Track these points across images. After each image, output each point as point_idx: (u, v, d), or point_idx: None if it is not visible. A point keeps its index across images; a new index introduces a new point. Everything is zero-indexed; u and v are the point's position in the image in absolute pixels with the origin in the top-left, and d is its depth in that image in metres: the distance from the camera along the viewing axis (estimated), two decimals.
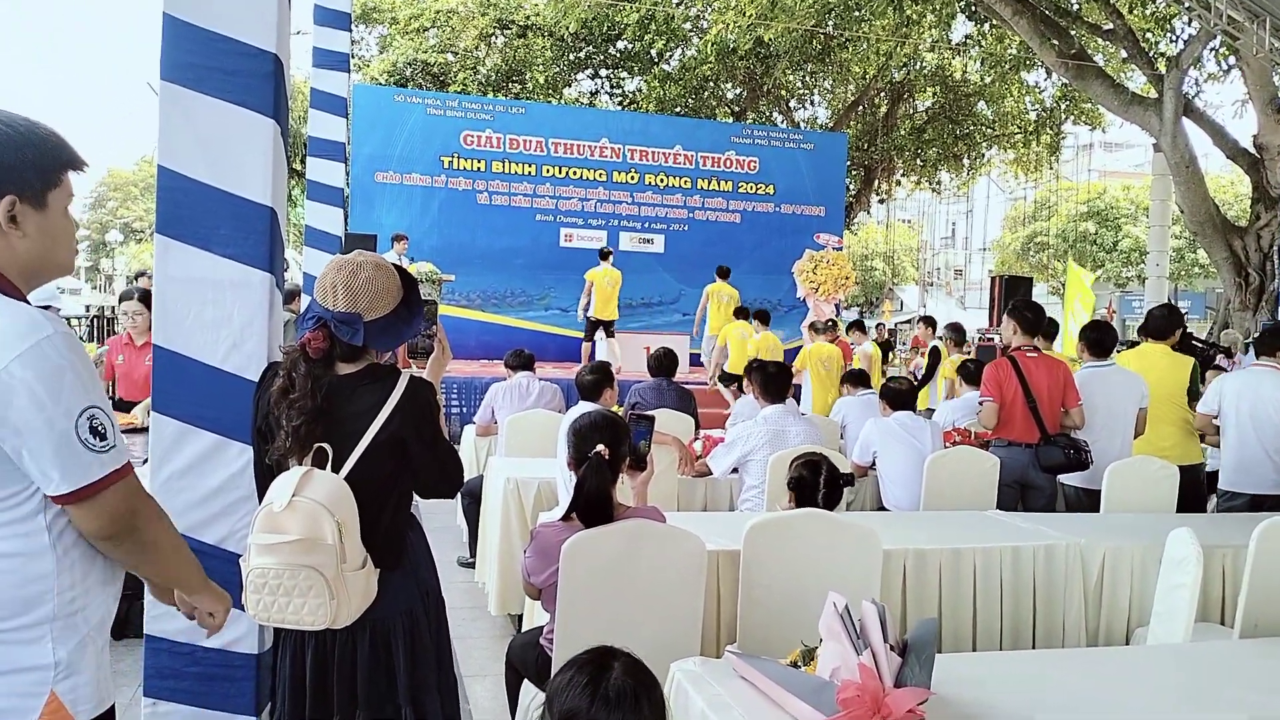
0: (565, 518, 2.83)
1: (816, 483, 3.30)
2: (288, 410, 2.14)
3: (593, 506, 2.76)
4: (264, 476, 2.25)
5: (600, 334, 12.13)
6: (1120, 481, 4.62)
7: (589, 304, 12.01)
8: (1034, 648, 3.60)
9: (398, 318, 2.26)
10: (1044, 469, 4.95)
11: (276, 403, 2.16)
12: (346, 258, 2.25)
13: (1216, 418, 5.11)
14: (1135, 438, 5.22)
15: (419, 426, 2.22)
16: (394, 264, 2.33)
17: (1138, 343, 8.56)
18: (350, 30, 8.50)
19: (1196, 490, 5.40)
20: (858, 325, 12.49)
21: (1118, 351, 7.30)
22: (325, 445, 2.15)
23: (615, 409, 5.04)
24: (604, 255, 12.37)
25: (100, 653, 1.67)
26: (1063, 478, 5.12)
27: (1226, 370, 6.73)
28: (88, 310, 12.49)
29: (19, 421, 1.48)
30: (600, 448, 2.80)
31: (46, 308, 4.04)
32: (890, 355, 14.00)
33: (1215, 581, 3.64)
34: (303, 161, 10.17)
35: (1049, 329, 6.47)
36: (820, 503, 3.28)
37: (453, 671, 2.46)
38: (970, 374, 6.30)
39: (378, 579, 2.20)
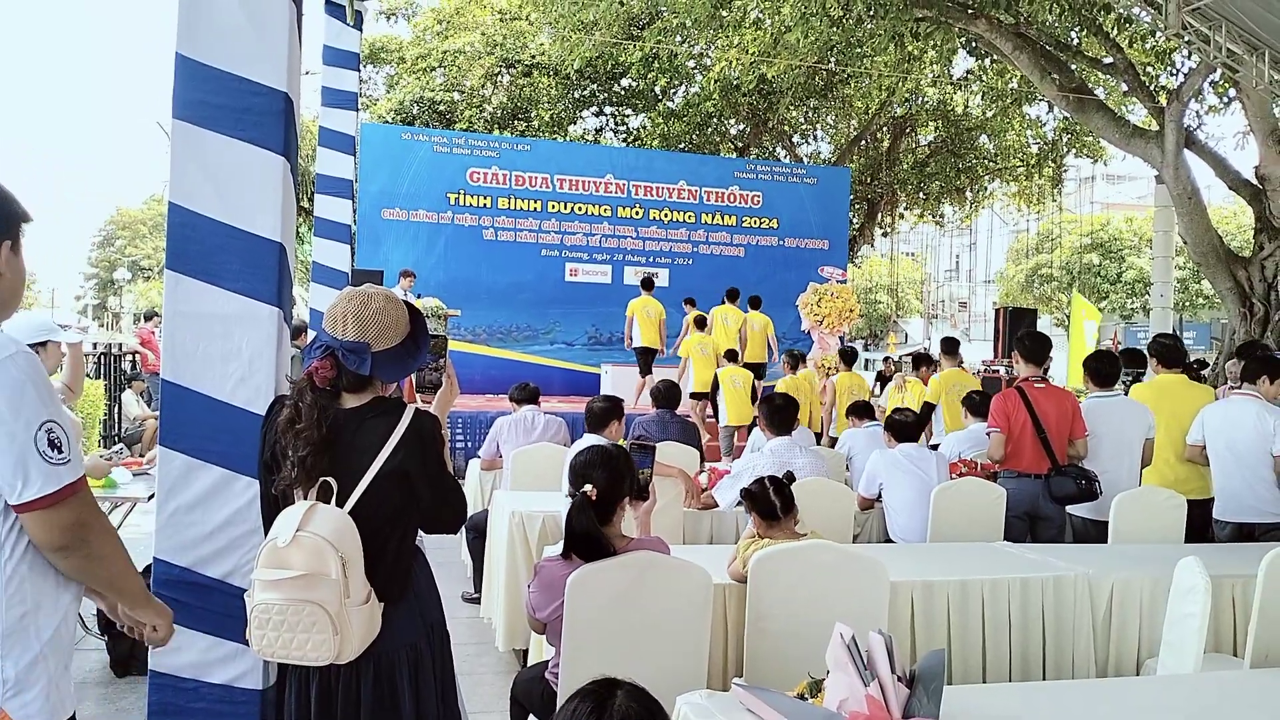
0: (565, 555, 2.83)
1: (765, 493, 3.34)
2: (294, 440, 2.15)
3: (583, 544, 2.76)
4: (270, 510, 2.25)
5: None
6: (1128, 512, 4.61)
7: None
8: (1044, 679, 3.57)
9: (405, 351, 2.29)
10: (1055, 500, 4.93)
11: (283, 432, 2.17)
12: (358, 289, 2.28)
13: (1205, 447, 5.12)
14: (1143, 468, 5.20)
15: (424, 460, 2.22)
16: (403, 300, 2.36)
17: (1143, 374, 8.56)
18: (359, 70, 8.61)
19: (1208, 525, 5.37)
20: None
21: (1124, 383, 7.26)
22: (330, 479, 2.16)
23: (620, 442, 5.04)
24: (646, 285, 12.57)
25: (57, 669, 1.69)
26: (1071, 508, 5.10)
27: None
28: (95, 348, 12.55)
29: None
30: (588, 487, 2.80)
31: (44, 343, 4.08)
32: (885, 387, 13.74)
33: (1225, 611, 3.62)
34: (310, 199, 10.26)
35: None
36: (775, 500, 3.31)
37: (456, 706, 2.44)
38: (976, 405, 6.29)
39: (382, 613, 2.19)
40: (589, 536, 2.75)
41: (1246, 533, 4.86)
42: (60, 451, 1.63)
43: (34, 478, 1.59)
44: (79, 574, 1.69)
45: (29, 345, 4.09)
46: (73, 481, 1.65)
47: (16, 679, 1.62)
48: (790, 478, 3.50)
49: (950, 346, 9.15)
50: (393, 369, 2.27)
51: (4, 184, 1.77)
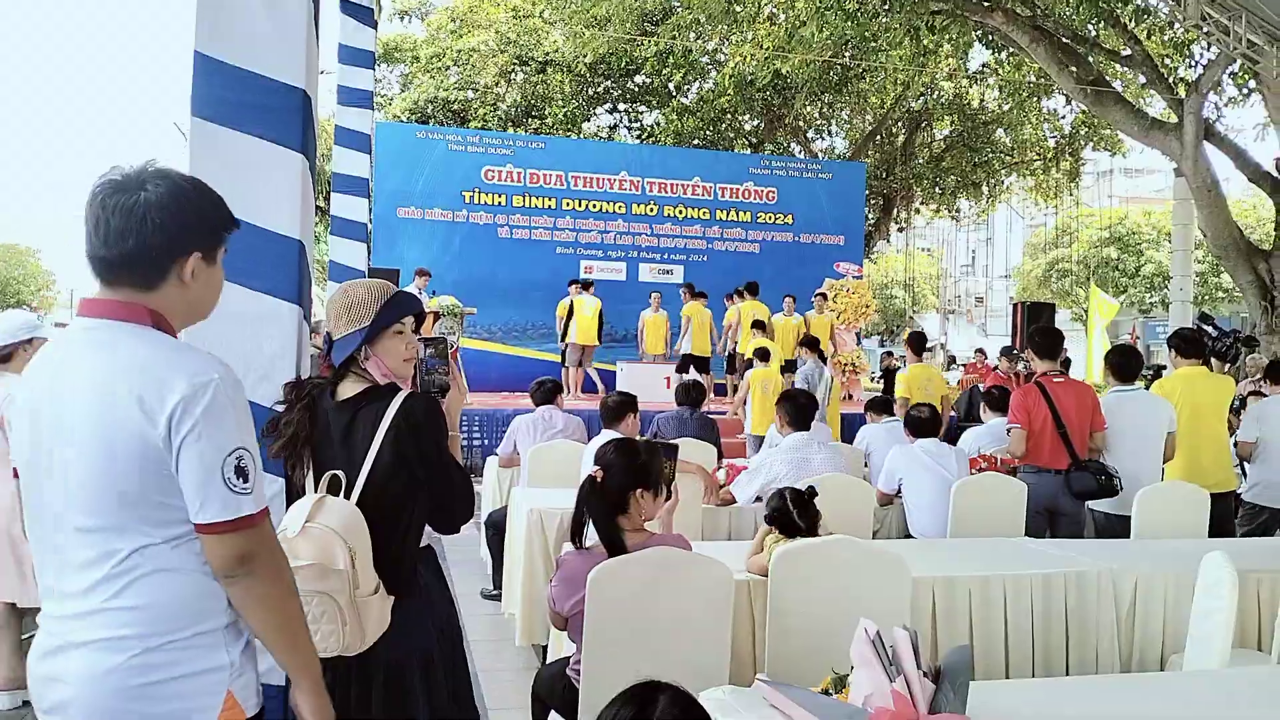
0: (572, 541, 2.89)
1: (788, 508, 3.35)
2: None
3: (597, 530, 2.81)
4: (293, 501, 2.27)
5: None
6: (1151, 507, 4.57)
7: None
8: (1067, 675, 3.55)
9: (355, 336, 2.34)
10: (1075, 495, 4.90)
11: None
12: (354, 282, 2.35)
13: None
14: (1165, 462, 5.17)
15: (418, 444, 2.19)
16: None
17: (1164, 368, 8.53)
18: (374, 69, 8.63)
19: (1228, 519, 5.35)
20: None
21: (1144, 377, 7.25)
22: (339, 472, 2.18)
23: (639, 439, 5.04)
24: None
25: (255, 663, 1.78)
26: (1092, 503, 5.07)
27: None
28: None
29: (181, 451, 1.60)
30: (594, 469, 2.86)
31: (30, 340, 4.10)
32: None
33: (1250, 607, 3.58)
34: (326, 198, 10.29)
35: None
36: (799, 521, 3.32)
37: (473, 703, 2.44)
38: (996, 401, 6.26)
39: (392, 608, 2.19)
40: (579, 525, 2.88)
41: None
42: (245, 480, 1.64)
43: (212, 502, 1.60)
44: (241, 605, 1.69)
45: (18, 342, 4.10)
46: (252, 514, 1.65)
47: (241, 664, 1.71)
48: (812, 492, 3.47)
49: (917, 343, 9.05)
50: (338, 353, 2.28)
51: (216, 195, 1.77)
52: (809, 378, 8.68)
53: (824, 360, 9.85)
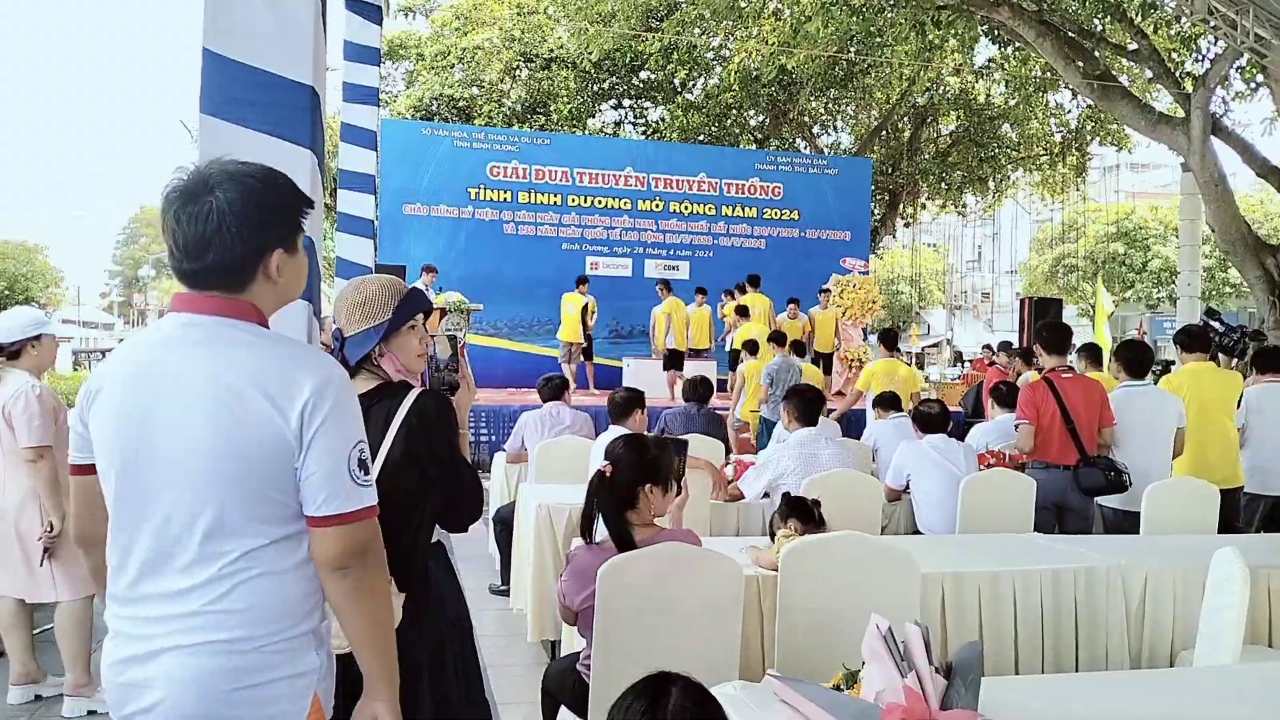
0: (582, 536, 2.90)
1: (803, 500, 3.49)
2: None
3: (606, 525, 2.82)
4: None
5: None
6: (1160, 502, 4.56)
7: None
8: (1077, 671, 3.54)
9: (370, 333, 2.34)
10: (1084, 491, 4.89)
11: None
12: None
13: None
14: (1175, 457, 5.16)
15: (429, 441, 2.20)
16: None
17: (1172, 363, 8.51)
18: (379, 65, 8.62)
19: (1236, 514, 5.33)
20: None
21: (1153, 372, 7.28)
22: None
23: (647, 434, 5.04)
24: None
25: (333, 661, 1.77)
26: (1101, 499, 5.06)
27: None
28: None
29: (312, 444, 1.60)
30: (604, 464, 2.87)
31: (38, 337, 4.10)
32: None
33: (1261, 603, 3.57)
34: (332, 195, 10.29)
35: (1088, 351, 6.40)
36: (813, 510, 3.47)
37: (483, 698, 2.44)
38: (1004, 396, 6.24)
39: (403, 604, 2.19)
40: (589, 520, 2.88)
41: None
42: (366, 473, 1.67)
43: (338, 494, 1.62)
44: (346, 600, 1.67)
45: (27, 338, 4.08)
46: (372, 505, 1.67)
47: (329, 669, 1.72)
48: (816, 504, 3.59)
49: (888, 339, 9.02)
50: (354, 350, 2.28)
51: (285, 179, 1.73)
52: (773, 374, 8.70)
53: (800, 354, 9.98)
